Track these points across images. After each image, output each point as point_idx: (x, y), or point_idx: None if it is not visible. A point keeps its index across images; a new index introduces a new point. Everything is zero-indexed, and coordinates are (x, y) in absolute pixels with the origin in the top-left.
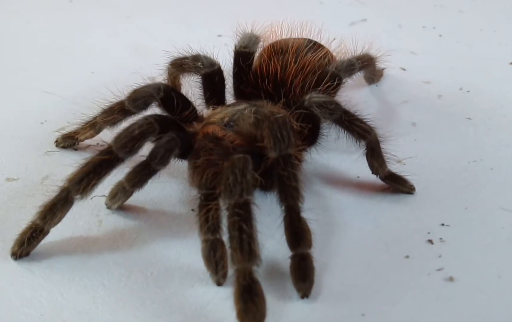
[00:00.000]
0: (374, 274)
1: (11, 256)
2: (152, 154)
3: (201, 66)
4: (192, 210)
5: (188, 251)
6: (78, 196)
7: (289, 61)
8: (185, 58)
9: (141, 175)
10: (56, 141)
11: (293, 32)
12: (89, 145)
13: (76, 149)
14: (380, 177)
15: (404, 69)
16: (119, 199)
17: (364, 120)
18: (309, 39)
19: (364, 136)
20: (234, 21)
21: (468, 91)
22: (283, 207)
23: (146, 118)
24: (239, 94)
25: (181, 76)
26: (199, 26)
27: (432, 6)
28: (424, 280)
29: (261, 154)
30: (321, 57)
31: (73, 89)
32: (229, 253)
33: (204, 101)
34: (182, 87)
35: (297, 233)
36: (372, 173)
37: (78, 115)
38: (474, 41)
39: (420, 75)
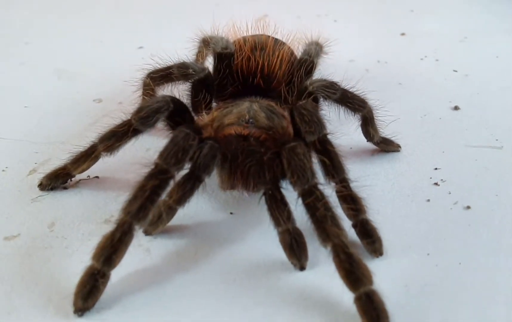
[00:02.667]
0: (416, 220)
1: (76, 313)
2: (197, 163)
3: (192, 72)
4: (231, 213)
5: (253, 248)
6: (137, 226)
7: (271, 55)
8: (169, 68)
9: (187, 189)
10: (40, 185)
11: (249, 30)
12: (80, 180)
13: (66, 187)
14: (375, 142)
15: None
16: (162, 222)
17: (359, 95)
18: (266, 35)
19: (361, 109)
20: (155, 33)
21: (385, 62)
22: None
23: (186, 133)
24: (225, 94)
25: (158, 88)
26: (115, 41)
27: None
28: (452, 213)
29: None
30: (288, 48)
31: (14, 128)
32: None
33: (191, 107)
34: None
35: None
36: (368, 140)
37: (41, 153)
38: (364, 21)
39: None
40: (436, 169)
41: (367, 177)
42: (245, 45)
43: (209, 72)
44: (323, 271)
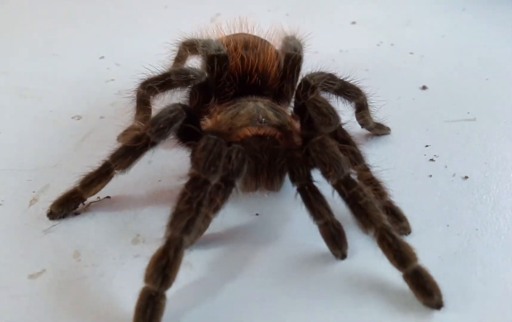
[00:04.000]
0: (425, 196)
1: None
2: (229, 169)
3: (193, 77)
4: (257, 214)
5: (289, 246)
6: (188, 241)
7: (263, 54)
8: (167, 75)
9: (222, 196)
10: (50, 214)
11: (232, 29)
12: (90, 203)
13: (77, 213)
14: (369, 128)
15: None
16: (200, 233)
17: (354, 84)
18: (249, 34)
19: (357, 97)
20: (118, 43)
21: (347, 51)
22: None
23: (215, 139)
24: (221, 96)
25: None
26: (71, 54)
27: None
28: (454, 185)
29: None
30: (272, 45)
31: None
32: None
33: None
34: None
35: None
36: (362, 127)
37: (34, 180)
38: (314, 13)
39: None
40: (427, 146)
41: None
42: (234, 45)
43: (208, 75)
44: (363, 257)
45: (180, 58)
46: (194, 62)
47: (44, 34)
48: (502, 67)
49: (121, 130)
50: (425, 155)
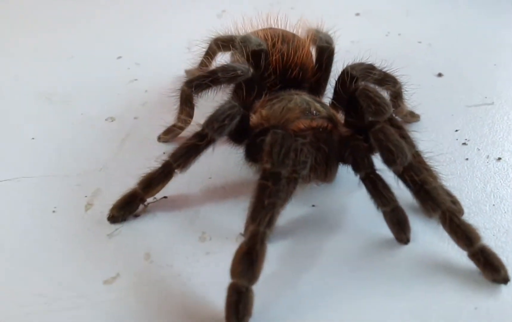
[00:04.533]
0: (467, 178)
1: None
2: (297, 161)
3: (240, 74)
4: (313, 205)
5: (352, 234)
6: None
7: (300, 48)
8: (214, 73)
9: (290, 190)
10: (111, 218)
11: (256, 25)
12: (148, 203)
13: (137, 215)
14: (402, 115)
15: None
16: None
17: (390, 73)
18: (279, 28)
19: (394, 85)
20: (132, 42)
21: (358, 42)
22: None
23: (283, 133)
24: (262, 91)
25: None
26: (87, 55)
27: None
28: (490, 167)
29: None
30: (304, 40)
31: (33, 164)
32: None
33: None
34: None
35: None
36: (396, 114)
37: (83, 185)
38: (318, 4)
39: None
40: (456, 130)
41: None
42: (272, 40)
43: (254, 71)
44: (423, 240)
45: (211, 54)
46: (223, 59)
47: (56, 37)
48: (506, 52)
49: (158, 130)
50: (457, 139)
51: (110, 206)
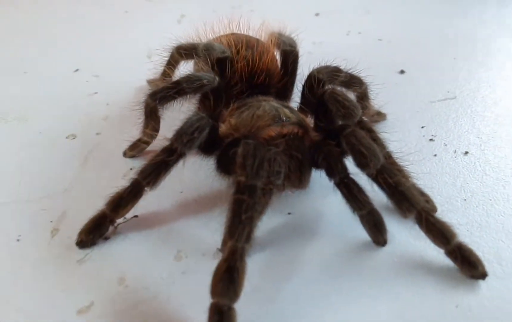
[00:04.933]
0: (437, 174)
1: None
2: (271, 171)
3: (206, 83)
4: (289, 213)
5: (329, 240)
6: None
7: (264, 53)
8: (178, 83)
9: (267, 200)
10: (80, 243)
11: (218, 31)
12: (117, 224)
13: (107, 237)
14: (369, 116)
15: None
16: None
17: (356, 74)
18: (242, 33)
19: (360, 86)
20: (89, 53)
21: (320, 42)
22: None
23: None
24: (229, 99)
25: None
26: (42, 70)
27: None
28: (458, 161)
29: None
30: (268, 44)
31: None
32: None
33: None
34: None
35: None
36: (363, 116)
37: (48, 210)
38: (278, 6)
39: None
40: (423, 127)
41: None
42: (235, 46)
43: (219, 79)
44: (400, 240)
45: (173, 63)
46: (185, 68)
47: (8, 52)
48: (464, 45)
49: (123, 145)
50: (423, 136)
51: (78, 230)
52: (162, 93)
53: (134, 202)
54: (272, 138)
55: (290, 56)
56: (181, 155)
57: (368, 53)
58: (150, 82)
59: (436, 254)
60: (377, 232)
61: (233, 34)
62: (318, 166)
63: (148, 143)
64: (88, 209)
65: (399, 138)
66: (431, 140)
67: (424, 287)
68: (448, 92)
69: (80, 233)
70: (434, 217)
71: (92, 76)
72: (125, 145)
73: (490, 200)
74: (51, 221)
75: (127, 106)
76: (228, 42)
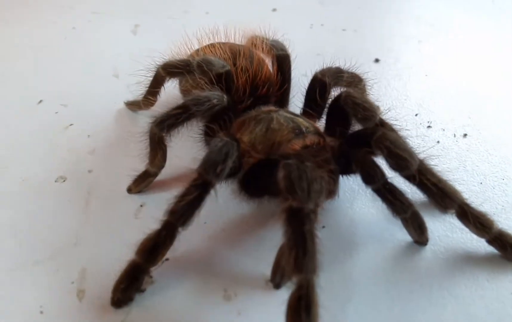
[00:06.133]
0: (445, 161)
1: None
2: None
3: (217, 103)
4: (323, 227)
5: (368, 249)
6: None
7: (262, 62)
8: (185, 107)
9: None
10: (116, 302)
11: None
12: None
13: (143, 290)
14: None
15: None
16: None
17: (355, 72)
18: (234, 43)
19: (360, 83)
20: (49, 81)
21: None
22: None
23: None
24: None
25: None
26: (3, 104)
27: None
28: (460, 145)
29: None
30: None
31: None
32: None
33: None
34: None
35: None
36: None
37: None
38: (231, 6)
39: None
40: (416, 115)
41: None
42: (230, 57)
43: (228, 96)
44: (438, 237)
45: (159, 82)
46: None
47: None
48: (425, 26)
49: (123, 180)
50: (421, 124)
51: (106, 287)
52: (170, 120)
53: (169, 246)
54: (296, 152)
55: (285, 61)
56: (212, 186)
57: (338, 45)
58: (128, 104)
59: (476, 243)
60: (420, 232)
61: (221, 43)
62: (346, 172)
63: (156, 175)
64: (109, 259)
65: (400, 129)
66: (429, 127)
67: (477, 279)
68: (426, 75)
69: (114, 291)
70: (473, 209)
71: (60, 106)
72: (126, 179)
73: (503, 179)
74: (72, 283)
75: (111, 134)
76: (220, 54)
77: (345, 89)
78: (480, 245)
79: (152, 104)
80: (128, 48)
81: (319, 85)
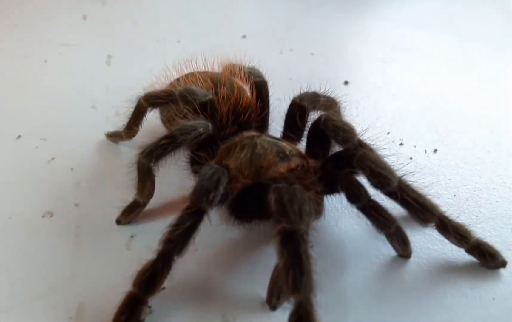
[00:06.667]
0: (420, 176)
1: None
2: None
3: (203, 131)
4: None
5: (366, 261)
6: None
7: (242, 90)
8: (172, 138)
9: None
10: None
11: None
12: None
13: (142, 321)
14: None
15: None
16: None
17: (330, 95)
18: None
19: (335, 105)
20: (26, 115)
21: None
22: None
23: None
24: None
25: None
26: None
27: None
28: (433, 160)
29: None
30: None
31: None
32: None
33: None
34: None
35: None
36: None
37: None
38: (202, 37)
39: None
40: (388, 133)
41: None
42: (211, 87)
43: (213, 125)
44: (420, 249)
45: (141, 112)
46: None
47: None
48: (387, 46)
49: (112, 212)
50: (393, 141)
51: (105, 321)
52: (158, 150)
53: (166, 276)
54: (282, 175)
55: (263, 87)
56: (205, 213)
57: (308, 69)
58: (110, 135)
59: (456, 253)
60: (404, 246)
61: (194, 73)
62: (330, 192)
63: (145, 205)
64: (104, 292)
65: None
66: (401, 144)
67: (461, 288)
68: (393, 95)
69: None
70: (452, 221)
71: (40, 140)
72: (114, 211)
73: (474, 191)
74: (70, 318)
75: (94, 166)
76: (203, 84)
77: (323, 112)
78: (460, 254)
79: (134, 135)
80: (103, 79)
81: (298, 109)
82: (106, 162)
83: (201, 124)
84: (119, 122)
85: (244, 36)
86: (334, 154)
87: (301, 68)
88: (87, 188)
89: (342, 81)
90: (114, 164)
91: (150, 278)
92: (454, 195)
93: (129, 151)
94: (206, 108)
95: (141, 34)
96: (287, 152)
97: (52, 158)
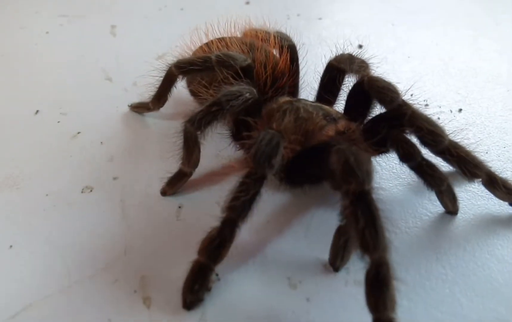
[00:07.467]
0: None
1: None
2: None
3: (249, 97)
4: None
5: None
6: None
7: (273, 54)
8: (218, 103)
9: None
10: (188, 304)
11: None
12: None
13: (210, 289)
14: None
15: None
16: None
17: (362, 57)
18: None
19: (367, 68)
20: (42, 89)
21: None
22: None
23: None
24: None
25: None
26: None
27: None
28: (458, 118)
29: None
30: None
31: None
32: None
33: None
34: None
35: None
36: None
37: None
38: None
39: None
40: (412, 95)
41: None
42: (249, 50)
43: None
44: (464, 207)
45: (171, 81)
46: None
47: None
48: (400, 12)
49: (153, 184)
50: (419, 104)
51: (172, 291)
52: (207, 117)
53: (232, 242)
54: (332, 138)
55: (295, 51)
56: (266, 178)
57: (317, 33)
58: (135, 107)
59: (499, 207)
60: (454, 202)
61: (224, 38)
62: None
63: (191, 175)
64: (163, 264)
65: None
66: (426, 105)
67: (510, 238)
68: (408, 57)
69: (184, 293)
70: (498, 176)
71: (60, 115)
72: (156, 182)
73: (504, 147)
74: (135, 291)
75: (124, 139)
76: (239, 48)
77: (366, 74)
78: (503, 208)
79: (162, 105)
80: (111, 50)
81: (336, 71)
82: (135, 134)
83: (247, 89)
84: (139, 93)
85: (247, 2)
86: (379, 115)
87: (311, 33)
88: (122, 161)
89: (356, 45)
90: (144, 136)
91: (217, 245)
92: (486, 153)
93: (156, 122)
94: (246, 73)
95: (142, 4)
96: (333, 115)
97: (78, 132)
